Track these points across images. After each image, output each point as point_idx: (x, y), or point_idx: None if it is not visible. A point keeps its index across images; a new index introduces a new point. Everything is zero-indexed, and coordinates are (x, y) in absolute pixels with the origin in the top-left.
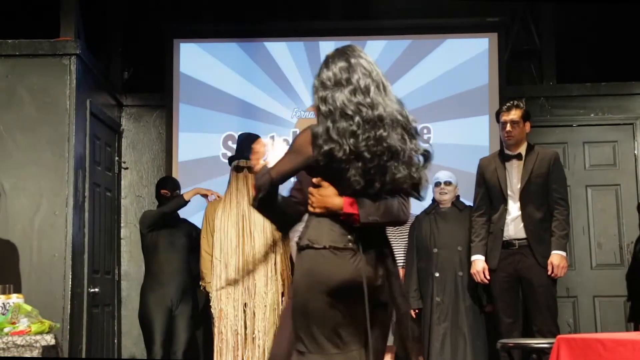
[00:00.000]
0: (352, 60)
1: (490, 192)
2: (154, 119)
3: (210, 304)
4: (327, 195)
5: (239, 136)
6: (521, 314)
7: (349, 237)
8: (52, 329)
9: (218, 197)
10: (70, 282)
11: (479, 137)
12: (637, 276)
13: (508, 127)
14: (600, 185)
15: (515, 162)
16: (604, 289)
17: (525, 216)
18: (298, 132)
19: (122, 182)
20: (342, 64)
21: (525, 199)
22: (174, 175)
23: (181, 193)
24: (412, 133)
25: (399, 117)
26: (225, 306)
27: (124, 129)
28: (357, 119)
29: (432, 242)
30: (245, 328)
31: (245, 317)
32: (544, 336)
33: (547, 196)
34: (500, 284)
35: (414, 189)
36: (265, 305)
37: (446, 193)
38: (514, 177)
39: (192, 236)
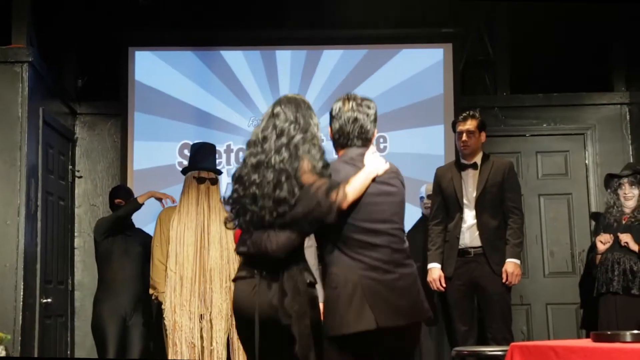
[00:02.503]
0: (276, 110)
1: (446, 201)
2: (109, 127)
3: (164, 315)
4: None
5: (192, 145)
6: (476, 321)
7: (250, 268)
8: (3, 341)
9: (172, 201)
10: (22, 293)
11: (434, 146)
12: (589, 284)
13: (464, 137)
14: (552, 195)
15: (471, 172)
16: (556, 296)
17: (480, 224)
18: None
19: (76, 191)
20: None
21: (480, 207)
22: (129, 183)
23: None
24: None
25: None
26: (179, 318)
27: (78, 137)
28: (244, 166)
29: (418, 256)
30: (202, 340)
31: (201, 328)
32: (498, 343)
33: (501, 205)
34: (455, 292)
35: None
36: (222, 316)
37: (429, 206)
38: (469, 186)
39: (147, 245)
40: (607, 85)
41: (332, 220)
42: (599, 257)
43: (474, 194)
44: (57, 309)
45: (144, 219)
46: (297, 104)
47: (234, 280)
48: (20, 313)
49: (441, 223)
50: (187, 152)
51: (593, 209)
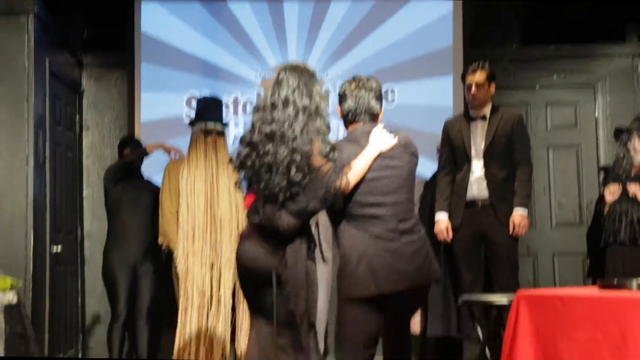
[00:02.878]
0: (281, 76)
1: (455, 153)
2: (115, 79)
3: (176, 263)
4: None
5: (199, 99)
6: (482, 271)
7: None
8: (15, 287)
9: (180, 155)
10: (32, 242)
11: (443, 97)
12: (596, 235)
13: (473, 89)
14: (561, 146)
15: (479, 123)
16: (563, 247)
17: (488, 176)
18: None
19: (84, 142)
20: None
21: (488, 158)
22: (136, 135)
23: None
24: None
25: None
26: (192, 266)
27: (85, 89)
28: (257, 133)
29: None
30: (212, 288)
31: (212, 276)
32: (504, 292)
33: (510, 157)
34: (462, 242)
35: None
36: (230, 265)
37: None
38: (478, 138)
39: (156, 195)
40: (619, 37)
41: (337, 206)
42: (607, 208)
43: (482, 146)
44: (67, 258)
45: (151, 171)
46: (300, 71)
47: (242, 236)
48: (31, 261)
49: (449, 174)
50: (194, 104)
51: (602, 161)
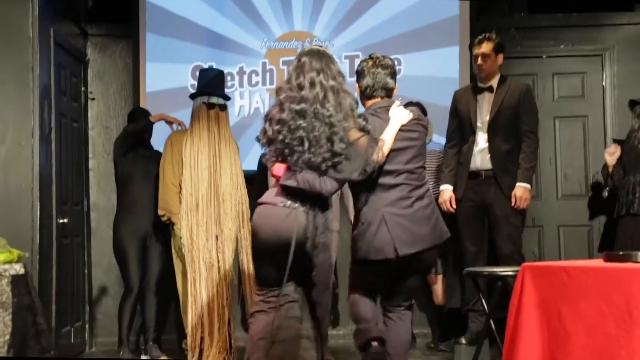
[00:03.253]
0: (303, 59)
1: (462, 124)
2: (120, 49)
3: (181, 235)
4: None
5: (201, 71)
6: (486, 243)
7: (286, 199)
8: (21, 259)
9: (182, 126)
10: (38, 213)
11: (449, 68)
12: (598, 205)
13: (479, 61)
14: (568, 117)
15: (486, 95)
16: (568, 218)
17: (492, 148)
18: None
19: (89, 113)
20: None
21: (493, 130)
22: (141, 106)
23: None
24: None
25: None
26: (197, 238)
27: (90, 59)
28: (287, 111)
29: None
30: (218, 261)
31: (217, 249)
32: (508, 264)
33: (516, 129)
34: (465, 213)
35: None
36: (232, 238)
37: None
38: (484, 109)
39: None
40: (627, 5)
41: (372, 176)
42: (611, 169)
43: (487, 117)
44: (74, 229)
45: (153, 142)
46: (320, 55)
47: (262, 203)
48: (38, 233)
49: (456, 146)
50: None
51: (609, 132)
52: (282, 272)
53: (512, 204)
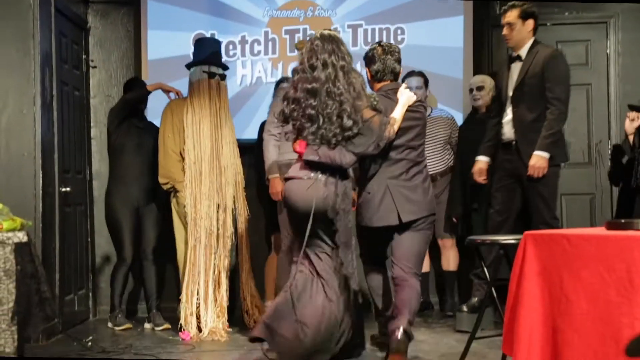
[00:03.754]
0: (315, 42)
1: (500, 94)
2: (122, 16)
3: (184, 203)
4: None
5: (198, 40)
6: (515, 213)
7: (307, 171)
8: (24, 227)
9: (179, 95)
10: (41, 181)
11: (453, 38)
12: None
13: (504, 30)
14: (571, 85)
15: (517, 64)
16: (571, 187)
17: (515, 118)
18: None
19: (91, 81)
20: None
21: (516, 100)
22: (143, 74)
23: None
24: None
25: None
26: (200, 207)
27: (91, 27)
28: (299, 90)
29: (468, 150)
30: (218, 229)
31: (218, 218)
32: None
33: (542, 97)
34: (497, 183)
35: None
36: (231, 207)
37: (479, 99)
38: (513, 79)
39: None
40: None
41: (384, 151)
42: (631, 137)
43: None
44: (76, 198)
45: (150, 113)
46: (330, 39)
47: (289, 178)
48: (40, 201)
49: (496, 117)
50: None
51: (612, 100)
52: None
53: (528, 173)
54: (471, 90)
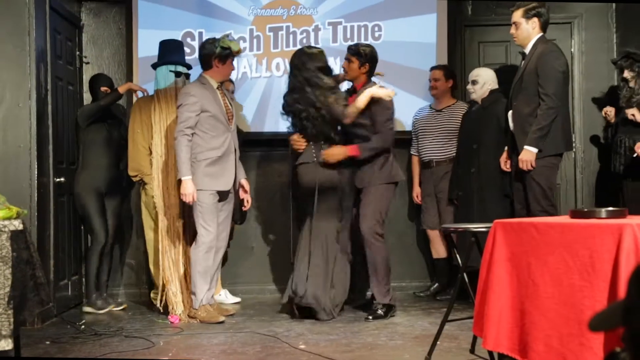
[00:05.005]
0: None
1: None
2: (114, 15)
3: (153, 194)
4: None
5: (163, 42)
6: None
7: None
8: (20, 215)
9: (146, 94)
10: (36, 172)
11: (427, 34)
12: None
13: (512, 29)
14: None
15: (523, 61)
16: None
17: (514, 111)
18: None
19: (84, 77)
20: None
21: (515, 94)
22: (134, 71)
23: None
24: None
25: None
26: (168, 197)
27: (84, 24)
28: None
29: (460, 141)
30: (184, 217)
31: (184, 205)
32: None
33: (537, 92)
34: (512, 173)
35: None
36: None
37: (472, 92)
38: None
39: (126, 131)
40: None
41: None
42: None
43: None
44: (70, 188)
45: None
46: (299, 54)
47: (299, 164)
48: (36, 191)
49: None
50: (190, 41)
51: (576, 96)
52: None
53: (519, 166)
54: (467, 84)
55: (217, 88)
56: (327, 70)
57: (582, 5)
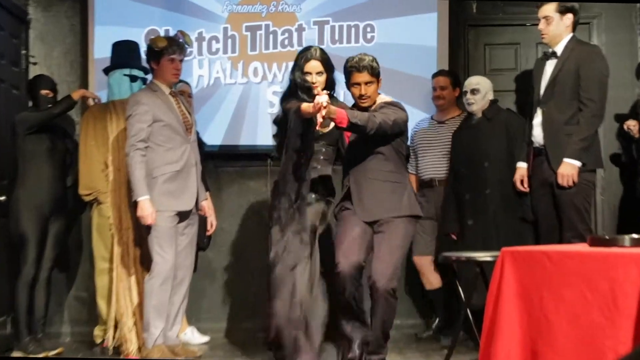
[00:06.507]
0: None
1: (534, 94)
2: (66, 9)
3: (109, 214)
4: None
5: (116, 43)
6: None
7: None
8: None
9: (98, 100)
10: None
11: (426, 36)
12: None
13: (540, 24)
14: None
15: (552, 61)
16: None
17: (544, 119)
18: None
19: None
20: None
21: (547, 99)
22: (90, 72)
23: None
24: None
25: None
26: (125, 218)
27: (32, 19)
28: None
29: (461, 160)
30: (141, 244)
31: (141, 231)
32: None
33: (576, 97)
34: (534, 191)
35: None
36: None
37: (473, 103)
38: (547, 77)
39: (72, 142)
40: None
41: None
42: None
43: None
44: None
45: None
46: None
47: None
48: None
49: (528, 119)
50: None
51: None
52: None
53: (560, 182)
54: (465, 93)
55: (170, 94)
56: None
57: (601, 4)
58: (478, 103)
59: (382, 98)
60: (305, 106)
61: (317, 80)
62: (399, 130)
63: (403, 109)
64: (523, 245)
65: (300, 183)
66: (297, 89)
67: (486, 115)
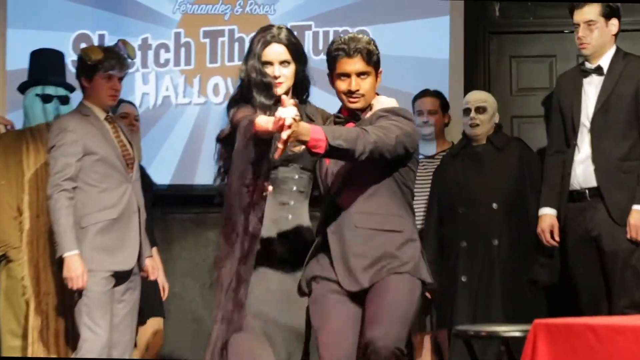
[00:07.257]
0: None
1: (564, 122)
2: None
3: (22, 274)
4: None
5: (33, 53)
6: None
7: None
8: None
9: (10, 126)
10: None
11: (436, 47)
12: None
13: (580, 31)
14: None
15: (594, 78)
16: None
17: (597, 154)
18: None
19: None
20: None
21: (598, 129)
22: (1, 89)
23: None
24: None
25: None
26: (45, 275)
27: None
28: None
29: (458, 197)
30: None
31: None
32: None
33: (635, 125)
34: (572, 251)
35: None
36: None
37: (478, 125)
38: (590, 99)
39: None
40: None
41: None
42: None
43: (592, 111)
44: None
45: None
46: None
47: None
48: None
49: (559, 153)
50: (85, 46)
51: None
52: None
53: (628, 235)
54: (467, 112)
55: (106, 119)
56: None
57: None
58: (484, 125)
59: (382, 102)
60: (262, 121)
61: (281, 73)
62: (403, 152)
63: (411, 119)
64: (542, 318)
65: (252, 240)
66: (250, 88)
67: (494, 143)
